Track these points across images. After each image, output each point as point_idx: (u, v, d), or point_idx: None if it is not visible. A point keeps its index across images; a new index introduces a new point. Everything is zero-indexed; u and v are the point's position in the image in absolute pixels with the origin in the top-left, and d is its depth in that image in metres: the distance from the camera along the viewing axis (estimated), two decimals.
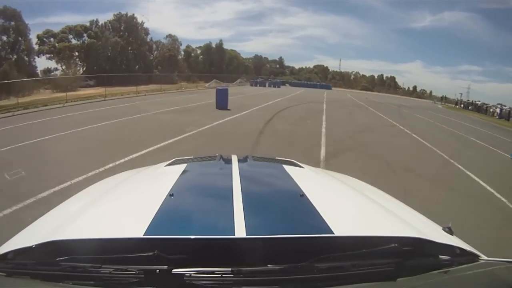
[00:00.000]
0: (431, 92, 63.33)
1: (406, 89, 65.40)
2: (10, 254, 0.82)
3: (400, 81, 67.77)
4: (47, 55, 34.63)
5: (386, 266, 0.77)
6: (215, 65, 49.08)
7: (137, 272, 0.72)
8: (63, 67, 34.92)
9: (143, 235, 0.80)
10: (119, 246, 0.78)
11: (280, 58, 69.27)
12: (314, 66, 71.46)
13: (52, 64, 35.64)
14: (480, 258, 0.89)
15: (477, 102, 37.36)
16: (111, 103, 15.14)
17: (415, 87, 65.61)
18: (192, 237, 0.78)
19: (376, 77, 67.79)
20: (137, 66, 39.82)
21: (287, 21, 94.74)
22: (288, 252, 0.78)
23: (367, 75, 68.72)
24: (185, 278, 0.70)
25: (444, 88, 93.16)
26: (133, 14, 40.78)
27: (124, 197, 1.21)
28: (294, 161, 1.80)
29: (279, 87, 40.63)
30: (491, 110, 32.09)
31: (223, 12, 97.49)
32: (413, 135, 11.02)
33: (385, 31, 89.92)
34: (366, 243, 0.82)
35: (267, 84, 41.38)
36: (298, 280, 0.73)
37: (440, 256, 0.87)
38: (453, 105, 41.96)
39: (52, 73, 34.28)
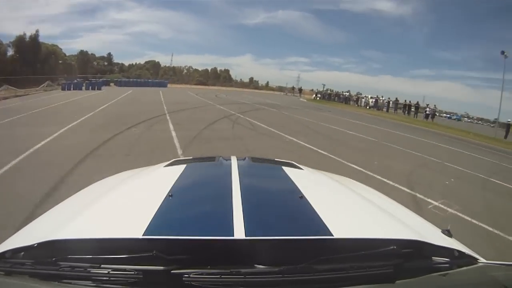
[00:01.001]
0: (267, 83, 66.57)
1: (239, 81, 69.13)
2: (8, 253, 0.81)
3: (232, 73, 70.88)
4: None
5: (385, 268, 0.77)
6: (28, 64, 35.77)
7: (135, 272, 0.71)
8: None
9: (142, 235, 0.79)
10: (118, 246, 0.77)
11: (109, 55, 61.15)
12: (146, 62, 66.42)
13: None
14: (478, 261, 0.89)
15: (344, 93, 35.98)
16: None
17: (251, 79, 66.83)
18: (191, 238, 0.77)
19: (209, 71, 68.21)
20: None
21: (121, 16, 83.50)
22: (287, 254, 0.78)
23: (200, 69, 68.10)
24: (184, 278, 0.70)
25: (273, 78, 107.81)
26: None
27: (123, 197, 1.18)
28: (294, 162, 1.79)
29: (99, 89, 32.43)
30: (363, 101, 32.10)
31: (57, 5, 73.87)
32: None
33: (218, 27, 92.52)
34: (365, 245, 0.81)
35: (83, 87, 32.05)
36: (297, 281, 0.72)
37: (438, 258, 0.86)
38: (312, 97, 38.08)
39: None
